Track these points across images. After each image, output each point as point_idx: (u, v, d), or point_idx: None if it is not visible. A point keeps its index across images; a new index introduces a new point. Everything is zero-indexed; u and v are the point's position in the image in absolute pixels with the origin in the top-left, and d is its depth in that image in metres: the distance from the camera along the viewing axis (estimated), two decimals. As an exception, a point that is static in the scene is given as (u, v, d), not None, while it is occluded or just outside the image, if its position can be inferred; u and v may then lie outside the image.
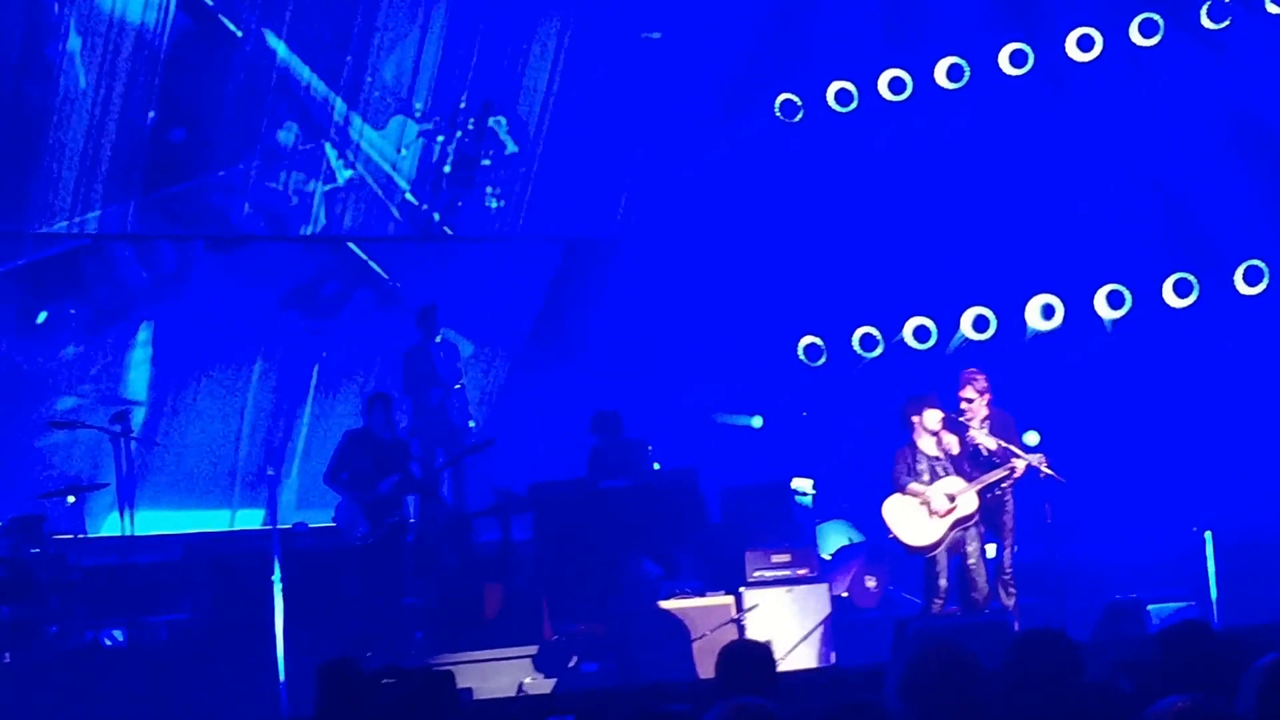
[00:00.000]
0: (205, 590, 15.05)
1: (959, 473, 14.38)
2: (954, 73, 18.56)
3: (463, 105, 19.20)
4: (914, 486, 14.31)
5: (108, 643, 13.91)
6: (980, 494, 14.31)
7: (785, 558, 15.05)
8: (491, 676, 13.94)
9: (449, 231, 19.56)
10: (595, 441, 16.58)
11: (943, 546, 14.30)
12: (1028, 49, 18.22)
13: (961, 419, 14.42)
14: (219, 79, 18.06)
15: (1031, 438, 15.77)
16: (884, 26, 18.80)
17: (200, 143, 18.15)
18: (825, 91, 19.06)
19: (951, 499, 14.23)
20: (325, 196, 18.85)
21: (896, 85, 18.81)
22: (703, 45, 19.51)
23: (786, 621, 14.65)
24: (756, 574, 14.89)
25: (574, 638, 14.65)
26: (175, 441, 18.15)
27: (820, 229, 19.03)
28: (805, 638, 14.63)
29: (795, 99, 19.29)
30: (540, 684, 14.08)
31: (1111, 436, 17.54)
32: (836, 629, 14.82)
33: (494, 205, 19.64)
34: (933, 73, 18.63)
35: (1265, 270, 17.65)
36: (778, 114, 19.32)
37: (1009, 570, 14.55)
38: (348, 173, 18.93)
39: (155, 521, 17.20)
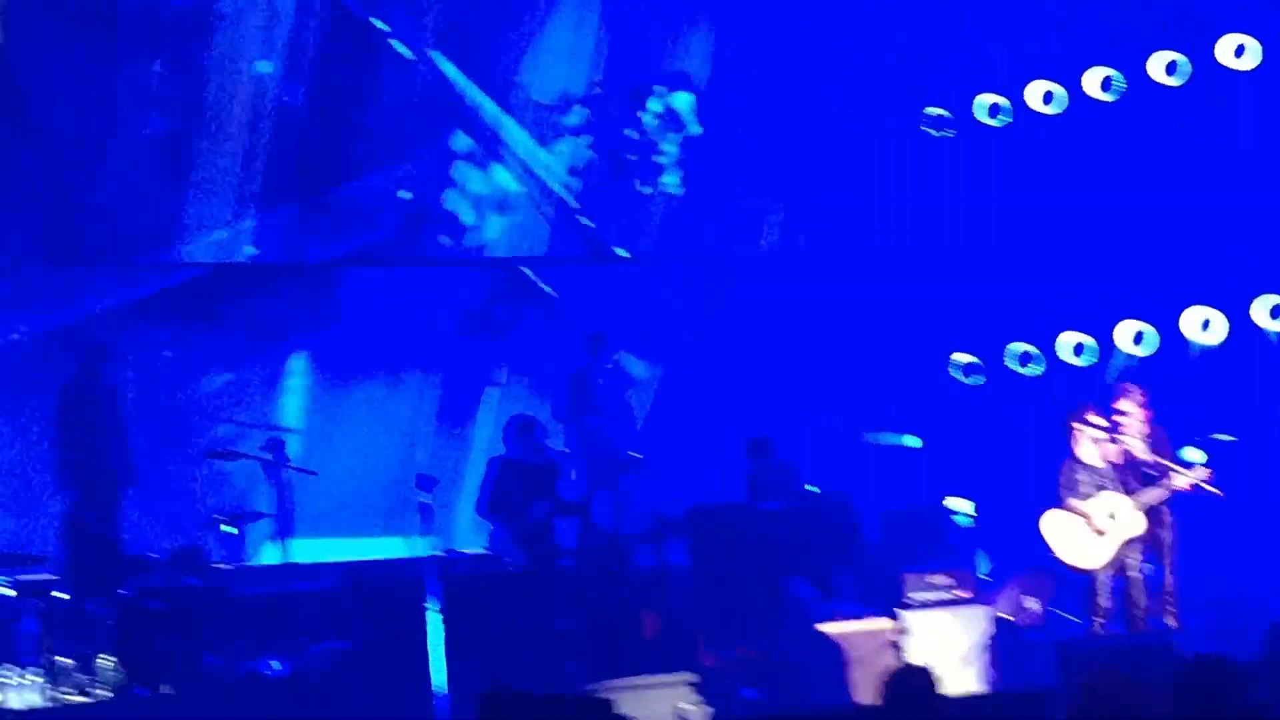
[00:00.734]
0: (363, 618, 15.12)
1: (1122, 486, 14.21)
2: (1105, 84, 18.38)
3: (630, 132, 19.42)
4: (1073, 502, 14.17)
5: (267, 673, 13.99)
6: (1147, 513, 14.13)
7: (944, 580, 14.95)
8: (649, 703, 13.86)
9: (624, 254, 19.74)
10: (750, 466, 16.56)
11: (1108, 565, 14.15)
12: (1183, 58, 17.97)
13: (1117, 433, 14.26)
14: (389, 101, 18.39)
15: (1194, 454, 15.50)
16: (1031, 37, 18.68)
17: (369, 164, 18.47)
18: (971, 104, 19.06)
19: (1113, 516, 14.06)
20: (493, 216, 19.11)
21: (1047, 97, 18.70)
22: (847, 59, 19.53)
23: (947, 645, 14.53)
24: (915, 595, 14.80)
25: (732, 663, 14.59)
26: (334, 468, 18.27)
27: (970, 242, 18.94)
28: (967, 661, 14.50)
29: (944, 112, 19.28)
30: (699, 710, 14.02)
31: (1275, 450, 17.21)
32: (997, 651, 14.67)
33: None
34: (1081, 83, 18.46)
35: None
36: (926, 128, 19.30)
37: (1171, 589, 14.36)
38: (519, 190, 19.20)
39: (313, 550, 17.32)
